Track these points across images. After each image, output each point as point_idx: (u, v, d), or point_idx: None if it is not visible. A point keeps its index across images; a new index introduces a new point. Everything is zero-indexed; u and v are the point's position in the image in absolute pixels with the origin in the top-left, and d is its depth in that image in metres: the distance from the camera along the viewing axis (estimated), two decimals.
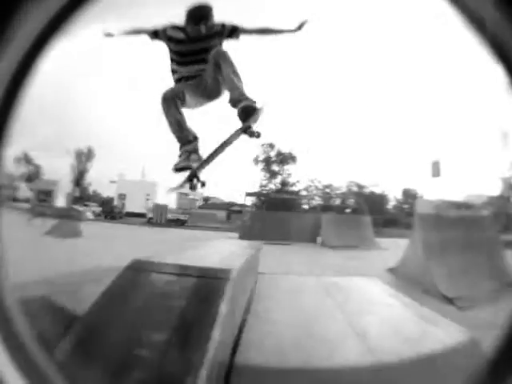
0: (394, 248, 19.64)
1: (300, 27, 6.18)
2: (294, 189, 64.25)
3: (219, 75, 6.01)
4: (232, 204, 66.16)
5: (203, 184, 6.02)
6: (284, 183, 63.79)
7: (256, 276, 9.16)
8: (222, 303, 3.35)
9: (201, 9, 5.80)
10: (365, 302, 7.70)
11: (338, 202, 61.30)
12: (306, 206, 61.40)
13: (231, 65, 5.89)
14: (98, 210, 58.35)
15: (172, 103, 5.89)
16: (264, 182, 64.03)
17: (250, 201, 59.27)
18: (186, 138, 6.06)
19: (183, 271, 3.72)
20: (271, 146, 62.48)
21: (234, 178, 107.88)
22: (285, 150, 62.79)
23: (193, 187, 5.99)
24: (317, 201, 61.15)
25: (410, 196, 57.62)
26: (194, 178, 5.97)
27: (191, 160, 5.93)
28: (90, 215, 47.18)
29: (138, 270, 3.94)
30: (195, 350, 2.91)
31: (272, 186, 63.63)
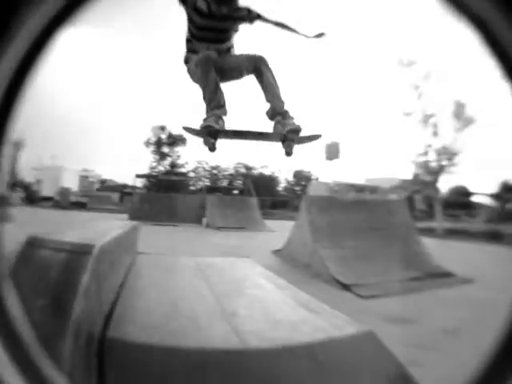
0: (281, 230, 19.31)
1: (317, 36, 6.08)
2: (183, 170, 64.52)
3: (257, 79, 5.94)
4: (125, 186, 65.96)
5: (214, 147, 5.97)
6: (173, 165, 63.87)
7: (134, 254, 9.29)
8: (84, 276, 3.51)
9: None
10: (237, 284, 7.70)
11: (225, 183, 61.99)
12: (193, 188, 61.74)
13: (272, 72, 5.84)
14: (23, 195, 57.55)
15: (212, 65, 5.78)
16: (154, 164, 64.02)
17: (140, 183, 59.22)
18: (219, 102, 5.83)
19: (59, 246, 3.87)
20: (162, 128, 62.35)
21: (127, 160, 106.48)
22: (175, 132, 62.71)
23: (206, 142, 5.91)
24: (205, 182, 61.56)
25: (302, 178, 58.25)
26: (213, 136, 5.88)
27: (219, 124, 5.68)
28: (17, 201, 46.51)
29: (31, 245, 4.07)
30: (62, 319, 3.10)
31: (162, 168, 63.64)
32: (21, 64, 1.56)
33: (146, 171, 62.33)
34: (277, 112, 5.78)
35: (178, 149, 64.00)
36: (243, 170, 63.10)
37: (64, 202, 52.65)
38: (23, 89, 1.61)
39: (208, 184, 59.78)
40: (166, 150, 64.17)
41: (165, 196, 37.16)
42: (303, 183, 52.65)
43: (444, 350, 6.92)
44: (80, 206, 52.38)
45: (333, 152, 28.08)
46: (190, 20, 5.99)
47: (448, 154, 30.21)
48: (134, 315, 4.98)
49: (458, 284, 11.98)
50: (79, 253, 3.86)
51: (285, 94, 5.75)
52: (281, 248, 15.79)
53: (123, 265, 7.21)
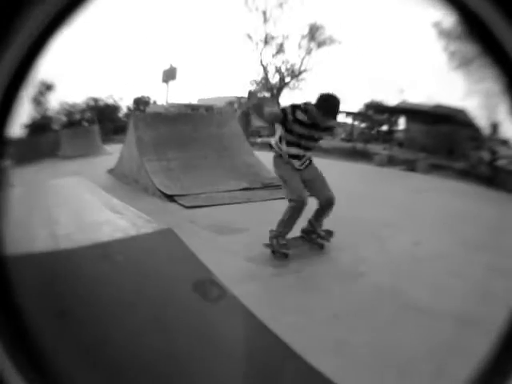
0: (119, 152, 17.99)
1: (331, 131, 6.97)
2: (50, 114, 63.77)
3: (320, 206, 6.82)
4: (18, 139, 64.32)
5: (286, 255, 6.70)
6: (45, 110, 62.95)
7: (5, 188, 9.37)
8: None
9: (337, 105, 6.23)
10: (66, 197, 8.12)
11: (78, 117, 61.69)
12: (56, 127, 61.18)
13: (331, 210, 6.82)
14: None
15: (304, 207, 6.49)
16: (34, 114, 62.89)
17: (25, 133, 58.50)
18: (290, 231, 6.75)
19: None
20: (44, 84, 60.87)
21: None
22: (49, 82, 61.31)
23: (285, 255, 6.65)
24: (62, 119, 61.05)
25: (142, 103, 57.84)
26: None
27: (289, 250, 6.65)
28: None
29: None
30: None
31: (37, 115, 62.72)
32: (20, 64, 1.56)
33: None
34: (316, 227, 7.02)
35: (51, 96, 62.67)
36: (92, 103, 62.76)
37: None
38: (22, 87, 1.62)
39: (64, 120, 59.47)
40: (42, 99, 62.84)
41: (32, 139, 37.35)
42: (142, 108, 52.51)
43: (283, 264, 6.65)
44: None
45: (169, 75, 28.14)
46: (290, 130, 6.47)
47: (292, 71, 29.54)
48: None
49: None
50: None
51: None
52: (114, 167, 15.88)
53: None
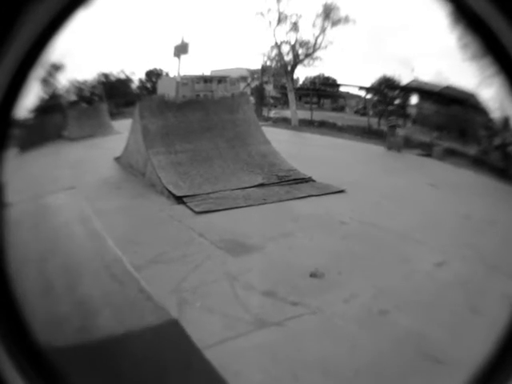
0: (127, 131, 16.20)
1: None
2: (58, 93, 63.05)
3: None
4: None
5: None
6: (54, 90, 62.32)
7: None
8: None
9: None
10: (56, 241, 7.04)
11: (88, 94, 60.71)
12: (64, 106, 60.32)
13: None
14: None
15: None
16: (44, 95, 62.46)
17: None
18: None
19: None
20: (53, 66, 60.19)
21: None
22: (56, 62, 60.43)
23: None
24: (71, 98, 59.96)
25: (153, 75, 57.41)
26: None
27: None
28: None
29: None
30: None
31: (46, 96, 62.19)
32: (23, 60, 1.54)
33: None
34: None
35: (60, 75, 61.94)
36: (103, 79, 61.90)
37: None
38: (26, 85, 1.60)
39: (73, 99, 58.47)
40: (50, 79, 62.18)
41: (37, 121, 36.74)
42: (154, 80, 52.09)
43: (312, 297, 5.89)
44: None
45: (181, 50, 27.62)
46: None
47: (306, 47, 29.25)
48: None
49: (322, 193, 10.45)
50: None
51: None
52: (120, 155, 14.61)
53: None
